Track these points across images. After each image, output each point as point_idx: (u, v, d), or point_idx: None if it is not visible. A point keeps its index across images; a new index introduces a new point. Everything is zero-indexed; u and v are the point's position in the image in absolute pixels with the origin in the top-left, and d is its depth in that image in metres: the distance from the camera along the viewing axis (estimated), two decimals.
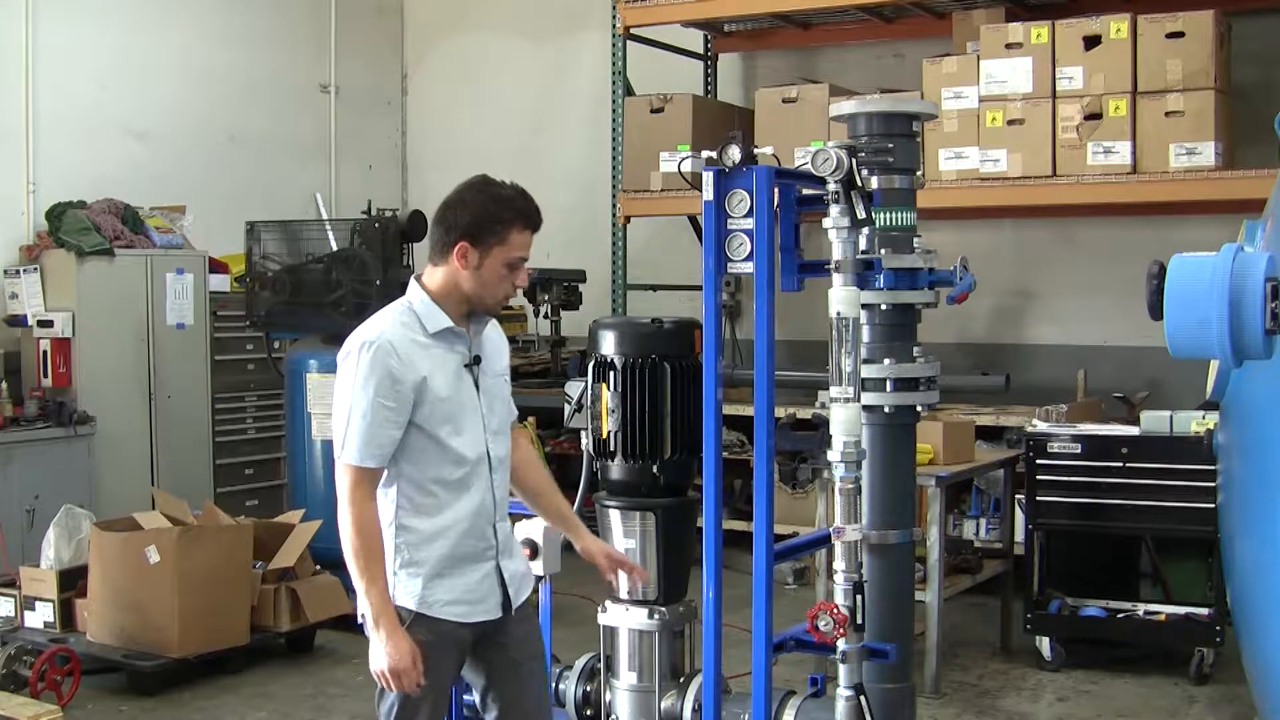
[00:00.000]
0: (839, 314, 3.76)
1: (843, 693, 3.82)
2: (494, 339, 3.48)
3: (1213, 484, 4.68)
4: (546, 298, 8.41)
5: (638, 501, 4.27)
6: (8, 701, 5.27)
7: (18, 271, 7.67)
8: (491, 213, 3.26)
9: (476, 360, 3.35)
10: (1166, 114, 6.75)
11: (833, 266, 3.83)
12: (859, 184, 3.77)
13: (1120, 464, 5.93)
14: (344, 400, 3.21)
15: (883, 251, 4.21)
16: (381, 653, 3.16)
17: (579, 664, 4.46)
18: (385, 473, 3.25)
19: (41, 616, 6.16)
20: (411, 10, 10.67)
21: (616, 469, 4.22)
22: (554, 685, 4.39)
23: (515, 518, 3.76)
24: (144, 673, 5.78)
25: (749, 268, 3.85)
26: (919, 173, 4.42)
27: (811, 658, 5.43)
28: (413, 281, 3.36)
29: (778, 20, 8.71)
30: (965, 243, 7.11)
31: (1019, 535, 6.43)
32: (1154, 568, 6.63)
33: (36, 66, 7.99)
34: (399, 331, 3.24)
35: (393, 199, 10.02)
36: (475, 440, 3.32)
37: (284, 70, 9.65)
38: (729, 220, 3.87)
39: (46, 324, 7.51)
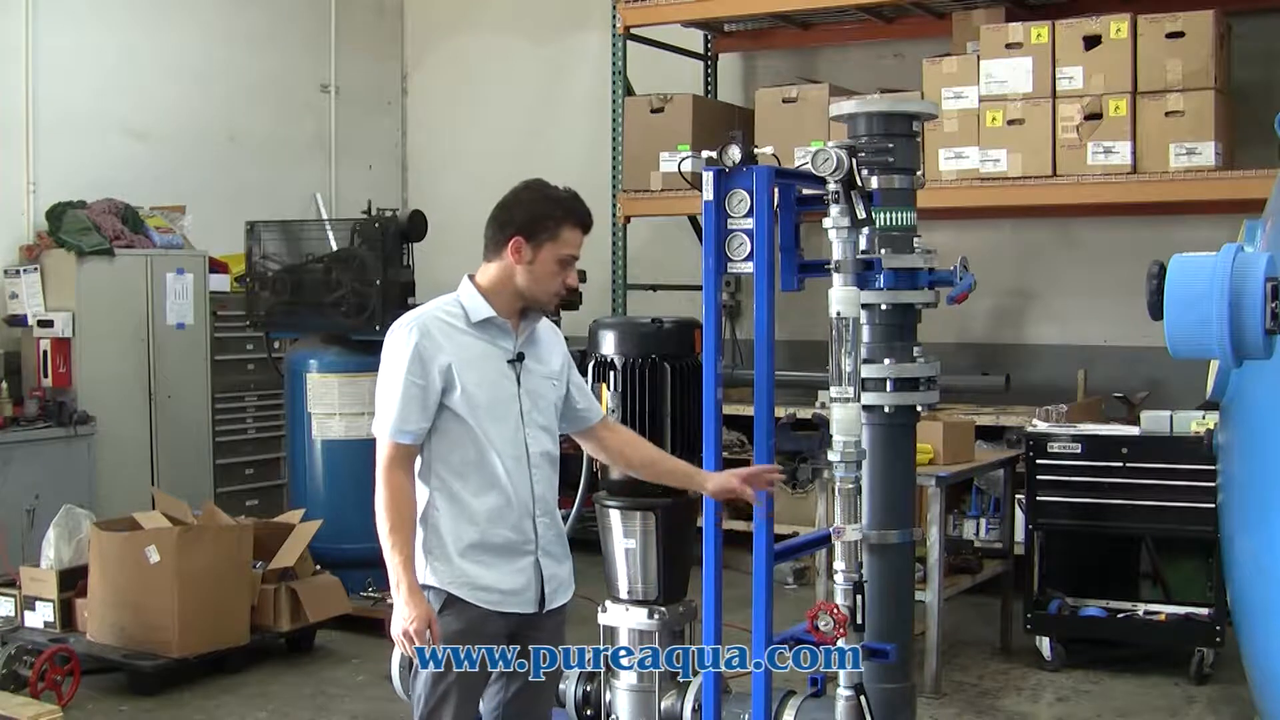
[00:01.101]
0: (839, 314, 3.77)
1: (843, 693, 3.82)
2: (547, 340, 3.56)
3: (1213, 484, 4.68)
4: None
5: (638, 501, 4.28)
6: (8, 701, 5.26)
7: (18, 271, 7.67)
8: (546, 210, 3.40)
9: (520, 357, 3.43)
10: (1166, 114, 6.75)
11: (833, 266, 3.84)
12: (859, 184, 3.78)
13: (1120, 464, 5.93)
14: (382, 378, 3.38)
15: (883, 251, 4.21)
16: (399, 616, 3.26)
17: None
18: (423, 454, 3.37)
19: (41, 616, 6.16)
20: (411, 10, 10.66)
21: (617, 469, 4.22)
22: None
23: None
24: (144, 673, 5.78)
25: (749, 268, 3.86)
26: (919, 173, 4.42)
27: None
28: (465, 278, 3.47)
29: (778, 20, 8.70)
30: (965, 243, 7.11)
31: (1019, 535, 6.43)
32: (1154, 568, 6.62)
33: (36, 66, 7.98)
34: (438, 317, 3.39)
35: (393, 199, 10.01)
36: (512, 433, 3.39)
37: (284, 70, 9.64)
38: (729, 220, 3.88)
39: (46, 324, 7.50)
